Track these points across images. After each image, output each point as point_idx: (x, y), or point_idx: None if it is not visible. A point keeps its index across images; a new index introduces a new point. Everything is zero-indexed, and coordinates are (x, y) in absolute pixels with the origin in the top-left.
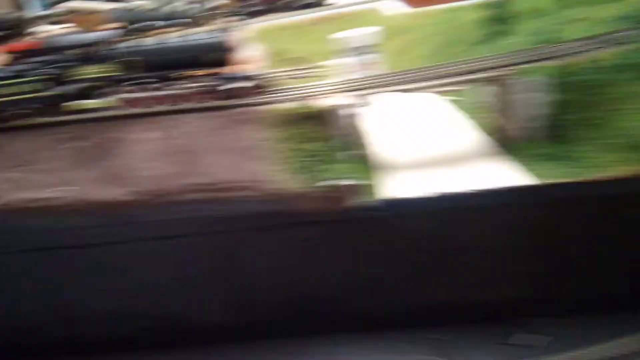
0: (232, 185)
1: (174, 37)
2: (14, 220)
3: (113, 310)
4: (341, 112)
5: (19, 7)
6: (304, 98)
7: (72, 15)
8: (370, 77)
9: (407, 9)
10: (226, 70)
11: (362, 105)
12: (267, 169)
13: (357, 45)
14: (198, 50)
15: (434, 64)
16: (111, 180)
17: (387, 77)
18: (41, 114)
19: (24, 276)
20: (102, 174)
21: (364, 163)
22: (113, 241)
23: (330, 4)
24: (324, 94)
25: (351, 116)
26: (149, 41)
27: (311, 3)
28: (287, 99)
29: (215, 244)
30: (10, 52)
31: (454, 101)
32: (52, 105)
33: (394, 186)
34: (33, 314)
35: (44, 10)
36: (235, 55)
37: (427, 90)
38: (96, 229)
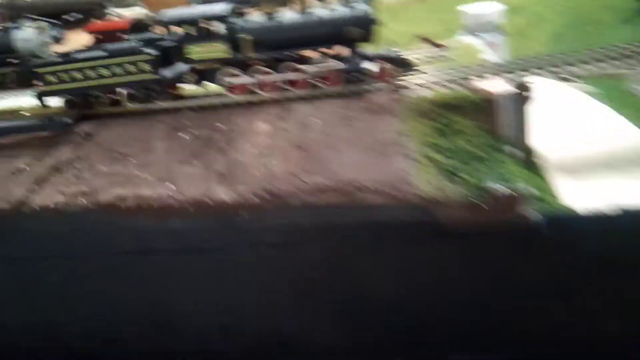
0: (362, 187)
1: (302, 12)
2: (107, 219)
3: (210, 324)
4: (503, 100)
5: None
6: (450, 82)
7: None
8: (517, 60)
9: None
10: (358, 49)
11: (526, 93)
12: (406, 168)
13: (486, 22)
14: (340, 23)
15: (579, 49)
16: (217, 178)
17: (530, 61)
18: (138, 99)
19: (112, 281)
20: (206, 171)
21: (528, 165)
22: (216, 247)
23: None
24: (472, 77)
25: (515, 105)
26: (262, 18)
27: None
28: (430, 83)
29: (336, 255)
30: (93, 32)
31: (597, 92)
32: (151, 90)
33: (564, 195)
34: (119, 322)
35: None
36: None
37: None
38: (196, 233)
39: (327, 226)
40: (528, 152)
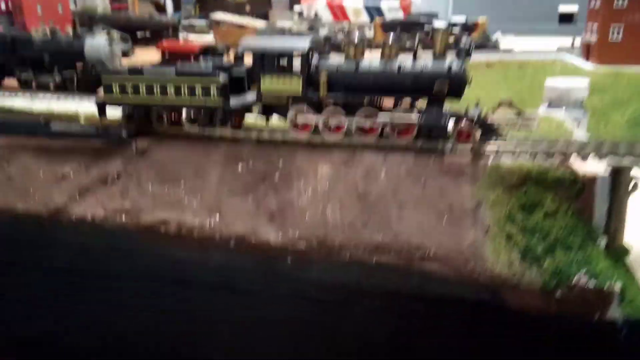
0: (426, 253)
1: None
2: (145, 242)
3: None
4: (599, 183)
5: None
6: (538, 154)
7: (216, 27)
8: (613, 142)
9: (590, 65)
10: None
11: (627, 180)
12: (478, 241)
13: (571, 97)
14: (427, 76)
15: None
16: (266, 216)
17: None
18: (200, 124)
19: (141, 305)
20: (256, 207)
21: (618, 261)
22: (252, 290)
23: (507, 49)
24: (564, 153)
25: (613, 192)
26: (342, 59)
27: (486, 44)
28: (517, 152)
29: (383, 324)
30: (163, 50)
31: None
32: (216, 116)
33: None
34: (136, 346)
35: (181, 16)
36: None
37: None
38: (235, 271)
39: (378, 290)
40: (620, 247)
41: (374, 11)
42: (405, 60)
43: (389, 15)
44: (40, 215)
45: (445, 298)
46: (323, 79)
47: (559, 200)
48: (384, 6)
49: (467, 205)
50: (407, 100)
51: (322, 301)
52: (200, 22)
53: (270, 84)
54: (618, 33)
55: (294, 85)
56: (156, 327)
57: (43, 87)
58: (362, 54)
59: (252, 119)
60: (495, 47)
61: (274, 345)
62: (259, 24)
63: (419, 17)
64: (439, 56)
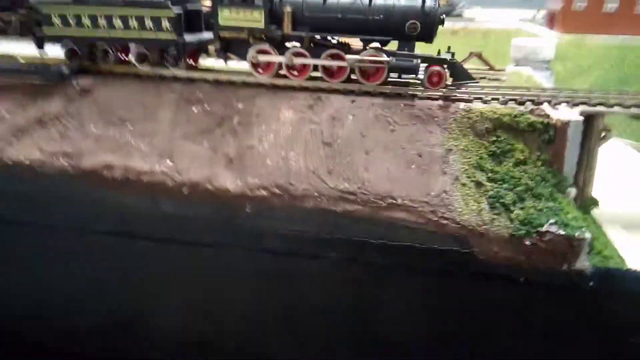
0: (393, 201)
1: None
2: (88, 188)
3: (183, 329)
4: (572, 130)
5: None
6: (510, 102)
7: None
8: (585, 91)
9: (554, 34)
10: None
11: (599, 128)
12: (448, 190)
13: (538, 56)
14: (399, 14)
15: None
16: (224, 162)
17: (598, 94)
18: (150, 61)
19: (82, 260)
20: (213, 153)
21: (586, 208)
22: (207, 243)
23: (470, 18)
24: (535, 100)
25: (585, 141)
26: None
27: (450, 12)
28: (487, 99)
29: (346, 278)
30: None
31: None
32: (168, 53)
33: (618, 250)
34: (79, 306)
35: None
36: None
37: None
38: (187, 221)
39: (343, 241)
40: (589, 198)
41: None
42: None
43: None
44: None
45: (413, 248)
46: (287, 12)
47: (529, 148)
48: None
49: (437, 152)
50: (375, 44)
51: (284, 253)
52: None
53: (229, 17)
54: (582, 1)
55: (255, 18)
56: (100, 284)
57: None
58: None
59: (208, 61)
60: (459, 15)
61: (233, 302)
62: None
63: None
64: None
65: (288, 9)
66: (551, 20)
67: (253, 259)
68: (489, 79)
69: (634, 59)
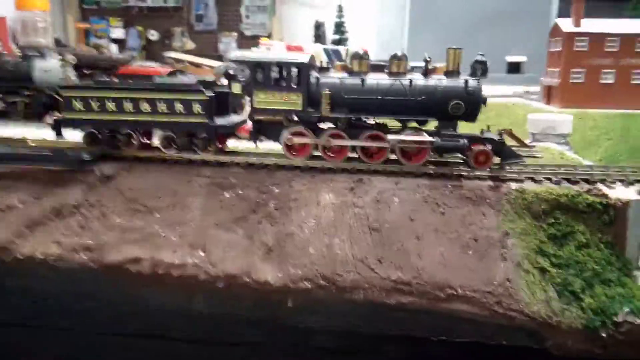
0: (453, 293)
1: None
2: (112, 285)
3: None
4: (634, 209)
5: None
6: (565, 182)
7: (172, 65)
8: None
9: (553, 108)
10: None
11: None
12: (511, 277)
13: (555, 130)
14: (440, 95)
15: None
16: (262, 252)
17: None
18: (178, 146)
19: None
20: (249, 242)
21: None
22: (249, 342)
23: None
24: (587, 179)
25: None
26: (346, 75)
27: None
28: (538, 179)
29: None
30: (124, 75)
31: None
32: (197, 137)
33: None
34: None
35: (135, 52)
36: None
37: None
38: (225, 319)
39: (399, 338)
40: None
41: (333, 55)
42: (414, 78)
43: (349, 60)
44: None
45: (478, 343)
46: (326, 94)
47: (590, 230)
48: (342, 50)
49: (493, 235)
50: (413, 124)
51: (333, 351)
52: (152, 64)
53: (265, 99)
54: (580, 75)
55: (292, 100)
56: None
57: None
58: (367, 68)
59: (236, 143)
60: None
61: None
62: (215, 63)
63: (379, 61)
64: (452, 74)
65: (327, 91)
66: (547, 95)
67: (299, 359)
68: (525, 156)
69: None
